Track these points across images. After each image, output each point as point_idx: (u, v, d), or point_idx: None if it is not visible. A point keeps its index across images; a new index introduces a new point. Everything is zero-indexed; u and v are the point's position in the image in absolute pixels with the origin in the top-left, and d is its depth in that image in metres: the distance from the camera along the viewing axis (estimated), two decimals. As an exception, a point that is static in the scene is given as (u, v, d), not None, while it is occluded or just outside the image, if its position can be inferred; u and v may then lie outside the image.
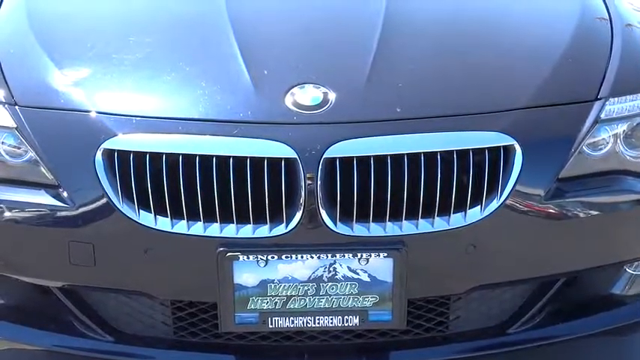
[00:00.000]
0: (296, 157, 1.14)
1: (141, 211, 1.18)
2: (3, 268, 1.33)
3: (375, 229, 1.17)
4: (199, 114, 1.23)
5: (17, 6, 1.57)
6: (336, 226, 1.15)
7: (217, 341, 1.30)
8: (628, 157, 1.34)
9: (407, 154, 1.17)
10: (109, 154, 1.18)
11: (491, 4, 1.70)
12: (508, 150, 1.23)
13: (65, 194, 1.22)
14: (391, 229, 1.17)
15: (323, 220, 1.15)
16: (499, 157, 1.21)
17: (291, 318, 1.20)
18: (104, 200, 1.19)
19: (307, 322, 1.21)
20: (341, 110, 1.22)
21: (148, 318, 1.33)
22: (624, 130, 1.34)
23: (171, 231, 1.17)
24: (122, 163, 1.18)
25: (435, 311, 1.31)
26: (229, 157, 1.15)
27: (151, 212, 1.17)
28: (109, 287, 1.31)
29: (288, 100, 1.22)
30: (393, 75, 1.32)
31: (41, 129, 1.25)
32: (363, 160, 1.16)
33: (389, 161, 1.16)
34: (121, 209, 1.18)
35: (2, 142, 1.28)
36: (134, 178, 1.17)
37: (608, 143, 1.32)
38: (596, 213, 1.31)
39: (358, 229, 1.16)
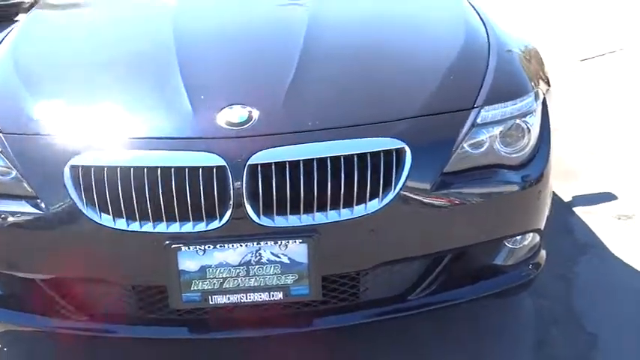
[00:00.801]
0: (225, 165, 1.41)
1: (102, 214, 1.44)
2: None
3: (292, 220, 1.43)
4: (148, 133, 1.51)
5: (6, 51, 1.92)
6: (259, 219, 1.42)
7: (172, 316, 1.58)
8: (503, 154, 1.63)
9: (315, 158, 1.44)
10: (74, 169, 1.46)
11: (392, 33, 2.01)
12: (399, 152, 1.50)
13: (42, 204, 1.49)
14: (305, 219, 1.44)
15: (249, 215, 1.41)
16: (392, 158, 1.49)
17: (228, 295, 1.47)
18: (72, 207, 1.45)
19: (241, 299, 1.48)
20: (262, 125, 1.49)
21: (117, 300, 1.61)
22: (501, 131, 1.63)
23: (127, 229, 1.43)
24: (85, 176, 1.44)
25: (348, 284, 1.58)
26: (171, 167, 1.42)
27: (110, 215, 1.44)
28: (82, 277, 1.58)
29: (220, 119, 1.50)
30: (306, 93, 1.61)
31: (20, 151, 1.53)
32: (280, 165, 1.43)
33: (301, 165, 1.43)
34: (85, 213, 1.45)
35: None
36: (95, 188, 1.43)
37: (485, 143, 1.60)
38: (477, 199, 1.61)
39: (278, 221, 1.43)
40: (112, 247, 1.47)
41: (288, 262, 1.44)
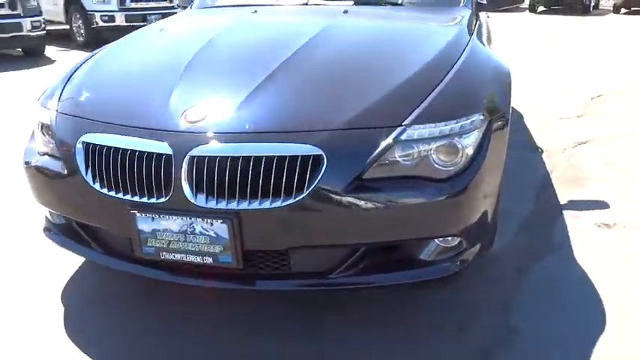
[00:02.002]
0: (171, 154, 1.80)
1: (94, 180, 1.94)
2: (48, 205, 2.21)
3: (218, 204, 1.78)
4: (131, 123, 1.93)
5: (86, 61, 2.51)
6: (194, 200, 1.79)
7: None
8: (436, 167, 1.84)
9: (242, 156, 1.76)
10: (83, 144, 1.96)
11: (372, 54, 2.32)
12: (317, 158, 1.76)
13: (65, 166, 2.03)
14: (228, 205, 1.77)
15: (186, 196, 1.79)
16: (308, 162, 1.75)
17: (174, 254, 1.89)
18: (79, 172, 1.97)
19: (183, 258, 1.89)
20: (209, 125, 1.84)
21: (118, 242, 2.12)
22: (437, 147, 1.84)
23: (107, 194, 1.90)
24: (87, 151, 1.95)
25: (280, 257, 1.90)
26: (136, 151, 1.85)
27: (98, 182, 1.93)
28: (87, 222, 2.11)
29: (182, 117, 1.88)
30: (257, 102, 1.92)
31: (58, 126, 2.08)
32: (214, 159, 1.77)
33: (228, 160, 1.76)
34: (85, 178, 1.95)
35: (43, 133, 2.14)
36: (91, 160, 1.93)
37: (416, 156, 1.83)
38: (391, 204, 1.82)
39: (208, 204, 1.79)
40: (101, 204, 1.95)
41: (215, 236, 1.81)
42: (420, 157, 1.83)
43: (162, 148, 1.82)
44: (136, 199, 1.87)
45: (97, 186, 1.93)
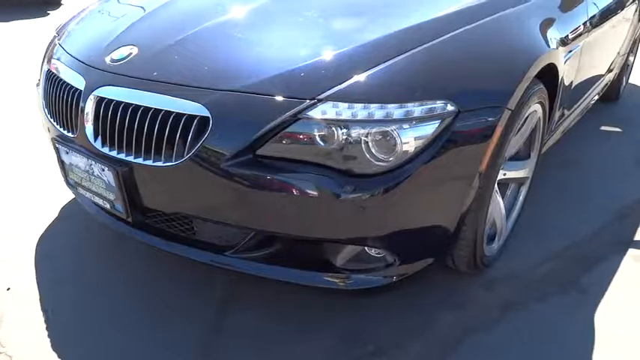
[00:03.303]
0: (81, 89, 1.77)
1: (46, 106, 2.01)
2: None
3: (111, 151, 1.71)
4: (79, 57, 1.92)
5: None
6: (94, 142, 1.75)
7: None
8: (347, 159, 1.51)
9: (136, 104, 1.64)
10: (47, 72, 2.02)
11: (296, 22, 1.89)
12: (205, 120, 1.56)
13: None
14: (118, 153, 1.69)
15: (87, 135, 1.76)
16: (193, 123, 1.57)
17: (85, 192, 1.90)
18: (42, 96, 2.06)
19: (92, 198, 1.88)
20: (122, 67, 1.75)
21: None
22: (357, 135, 1.49)
23: (50, 121, 1.96)
24: (48, 77, 2.02)
25: (182, 220, 1.78)
26: (67, 84, 1.86)
27: (46, 107, 2.00)
28: None
29: (109, 56, 1.82)
30: (170, 54, 1.75)
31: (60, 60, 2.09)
32: (112, 102, 1.69)
33: (121, 106, 1.67)
34: (44, 102, 2.03)
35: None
36: (47, 85, 2.00)
37: (312, 139, 1.50)
38: (283, 190, 1.53)
39: (103, 148, 1.73)
40: (48, 129, 2.02)
41: (108, 182, 1.76)
42: (337, 142, 1.50)
43: (78, 81, 1.80)
44: (59, 132, 1.90)
45: (46, 110, 2.01)
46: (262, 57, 1.67)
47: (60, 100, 1.88)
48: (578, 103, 2.84)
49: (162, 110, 1.61)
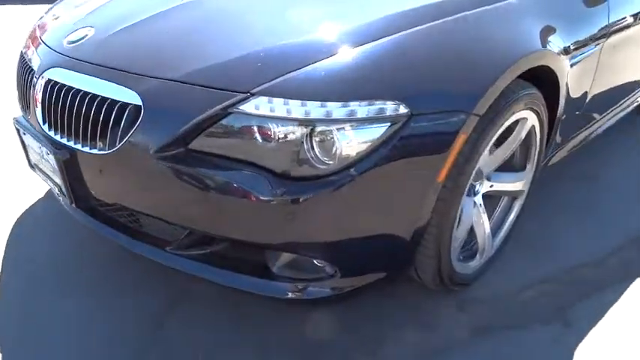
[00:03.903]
0: (34, 70, 1.73)
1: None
2: None
3: (55, 135, 1.67)
4: (47, 41, 1.88)
5: None
6: (43, 125, 1.71)
7: None
8: (282, 159, 1.39)
9: (76, 88, 1.59)
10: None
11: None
12: (137, 108, 1.48)
13: None
14: (62, 138, 1.64)
15: (37, 117, 1.72)
16: (125, 111, 1.49)
17: (40, 173, 1.87)
18: None
19: (47, 180, 1.85)
20: (74, 50, 1.70)
21: None
22: (292, 134, 1.37)
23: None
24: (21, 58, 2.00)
25: (125, 212, 1.69)
26: (27, 64, 1.84)
27: None
28: None
29: (68, 37, 1.77)
30: (120, 39, 1.68)
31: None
32: (58, 84, 1.64)
33: (64, 89, 1.62)
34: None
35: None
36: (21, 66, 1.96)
37: (244, 135, 1.40)
38: (210, 187, 1.44)
39: (50, 131, 1.69)
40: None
41: (54, 166, 1.71)
42: (273, 141, 1.38)
43: (36, 63, 1.77)
44: (19, 114, 1.88)
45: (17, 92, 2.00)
46: (203, 47, 1.57)
47: (21, 80, 1.86)
48: (604, 114, 2.56)
49: (99, 96, 1.54)
